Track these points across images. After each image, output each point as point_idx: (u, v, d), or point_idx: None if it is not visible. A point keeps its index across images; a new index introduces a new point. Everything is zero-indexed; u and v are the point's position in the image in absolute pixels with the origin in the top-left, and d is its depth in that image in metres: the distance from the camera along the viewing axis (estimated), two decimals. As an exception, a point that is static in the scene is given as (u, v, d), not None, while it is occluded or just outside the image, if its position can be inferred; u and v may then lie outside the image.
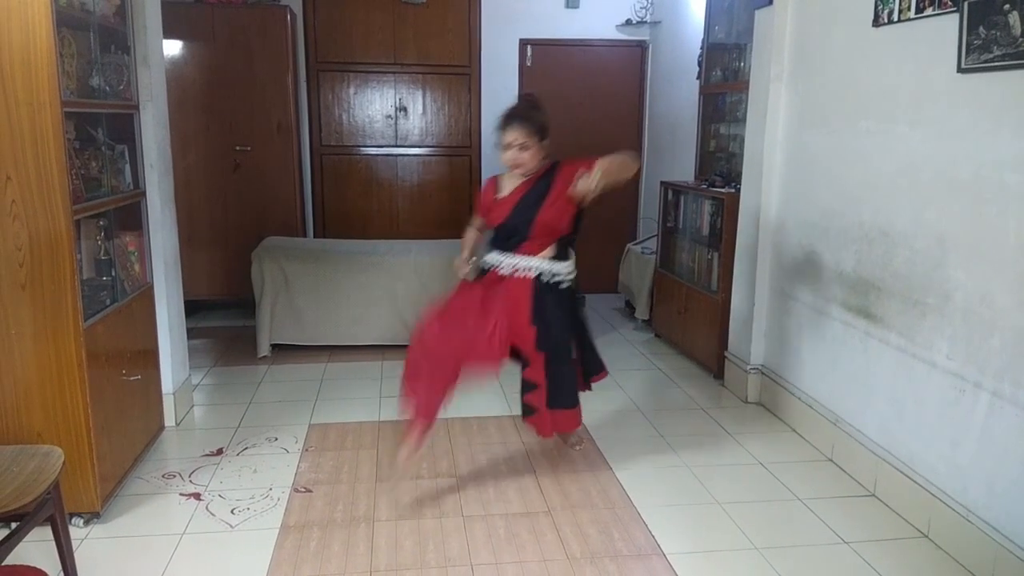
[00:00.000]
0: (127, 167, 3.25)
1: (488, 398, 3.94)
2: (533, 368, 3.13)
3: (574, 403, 3.24)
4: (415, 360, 3.02)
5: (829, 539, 2.78)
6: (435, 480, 3.19)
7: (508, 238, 3.13)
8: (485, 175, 6.24)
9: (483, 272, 3.18)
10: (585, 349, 3.33)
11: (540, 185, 3.10)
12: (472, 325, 3.01)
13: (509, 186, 3.16)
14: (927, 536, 2.77)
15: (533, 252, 3.11)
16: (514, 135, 3.04)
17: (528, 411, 3.23)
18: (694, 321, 4.72)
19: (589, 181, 2.87)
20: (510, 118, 3.06)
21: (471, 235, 3.28)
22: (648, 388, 4.34)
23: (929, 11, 2.75)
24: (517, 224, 3.09)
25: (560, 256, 3.15)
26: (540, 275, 3.10)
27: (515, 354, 3.15)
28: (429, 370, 2.97)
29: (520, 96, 3.23)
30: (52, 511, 2.27)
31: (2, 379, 2.61)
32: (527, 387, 3.19)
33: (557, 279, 3.13)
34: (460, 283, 3.19)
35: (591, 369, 3.38)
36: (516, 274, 3.11)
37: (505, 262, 3.12)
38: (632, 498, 3.05)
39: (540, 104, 3.17)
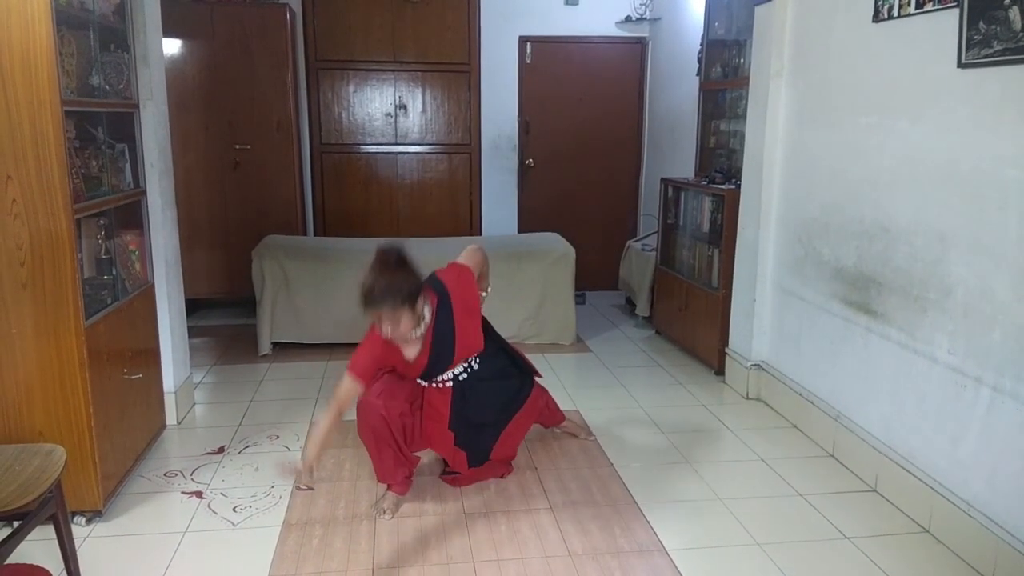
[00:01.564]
0: (127, 166, 3.25)
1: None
2: (454, 463, 3.07)
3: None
4: (384, 436, 2.86)
5: (830, 534, 2.78)
6: (436, 478, 3.19)
7: (428, 376, 2.94)
8: (485, 173, 6.26)
9: None
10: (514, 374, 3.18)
11: (442, 325, 2.80)
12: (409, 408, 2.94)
13: (408, 351, 2.83)
14: (928, 531, 2.78)
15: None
16: (379, 319, 2.64)
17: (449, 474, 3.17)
18: (695, 318, 4.72)
19: (485, 295, 3.08)
20: (366, 304, 2.60)
21: (329, 419, 2.64)
22: (649, 385, 4.35)
23: (929, 6, 2.75)
24: (437, 367, 2.89)
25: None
26: (457, 377, 2.98)
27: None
28: (401, 433, 2.90)
29: (376, 256, 2.66)
30: (54, 510, 2.28)
31: (4, 378, 2.61)
32: (449, 473, 3.15)
33: (468, 372, 3.01)
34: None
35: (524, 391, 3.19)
36: (436, 385, 2.98)
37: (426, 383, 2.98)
38: (633, 494, 3.06)
39: (392, 263, 2.62)
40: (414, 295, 2.64)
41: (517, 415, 3.13)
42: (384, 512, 2.88)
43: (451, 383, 2.97)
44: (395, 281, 2.59)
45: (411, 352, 2.83)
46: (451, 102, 6.06)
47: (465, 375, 2.99)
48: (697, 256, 4.78)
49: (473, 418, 3.00)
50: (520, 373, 3.21)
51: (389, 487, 2.96)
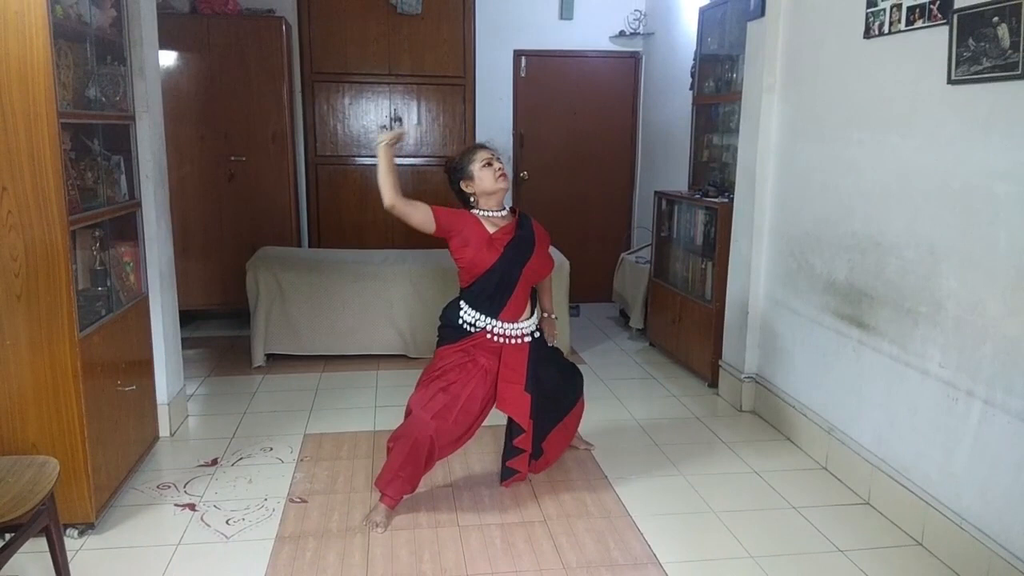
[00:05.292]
0: (123, 178, 3.25)
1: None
2: (524, 436, 3.02)
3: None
4: (418, 454, 2.85)
5: (823, 547, 2.78)
6: (430, 489, 3.19)
7: (494, 294, 2.89)
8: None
9: (462, 334, 2.94)
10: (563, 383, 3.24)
11: (525, 227, 2.95)
12: (477, 411, 2.94)
13: (490, 227, 2.91)
14: (921, 544, 2.78)
15: (520, 309, 2.95)
16: (490, 152, 2.93)
17: (509, 474, 3.14)
18: (688, 330, 4.73)
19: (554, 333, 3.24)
20: (483, 146, 2.97)
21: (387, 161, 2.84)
22: (642, 397, 4.35)
23: (919, 23, 2.78)
24: (507, 271, 2.88)
25: (534, 305, 3.05)
26: (534, 335, 3.00)
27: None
28: (429, 458, 2.91)
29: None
30: (47, 522, 2.27)
31: (-3, 389, 2.60)
32: (513, 452, 3.08)
33: (539, 332, 3.06)
34: (449, 356, 2.93)
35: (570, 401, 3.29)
36: (516, 343, 2.95)
37: (499, 329, 2.92)
38: (627, 507, 3.06)
39: None
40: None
41: (572, 410, 3.25)
42: (376, 525, 2.88)
43: (529, 339, 2.97)
44: None
45: (492, 228, 2.89)
46: (446, 115, 6.09)
47: (538, 334, 3.04)
48: (691, 269, 4.80)
49: (546, 383, 3.02)
50: (574, 375, 3.30)
51: (382, 497, 2.95)
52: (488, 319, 2.91)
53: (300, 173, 5.99)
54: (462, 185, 2.95)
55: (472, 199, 2.95)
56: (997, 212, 2.46)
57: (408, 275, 4.90)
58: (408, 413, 2.93)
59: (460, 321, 2.93)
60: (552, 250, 5.22)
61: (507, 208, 2.99)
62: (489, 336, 2.92)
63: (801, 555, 2.73)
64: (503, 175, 2.92)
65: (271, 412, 4.08)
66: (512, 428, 3.07)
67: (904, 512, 2.89)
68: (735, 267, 4.21)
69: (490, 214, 2.93)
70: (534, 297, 3.06)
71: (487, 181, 2.89)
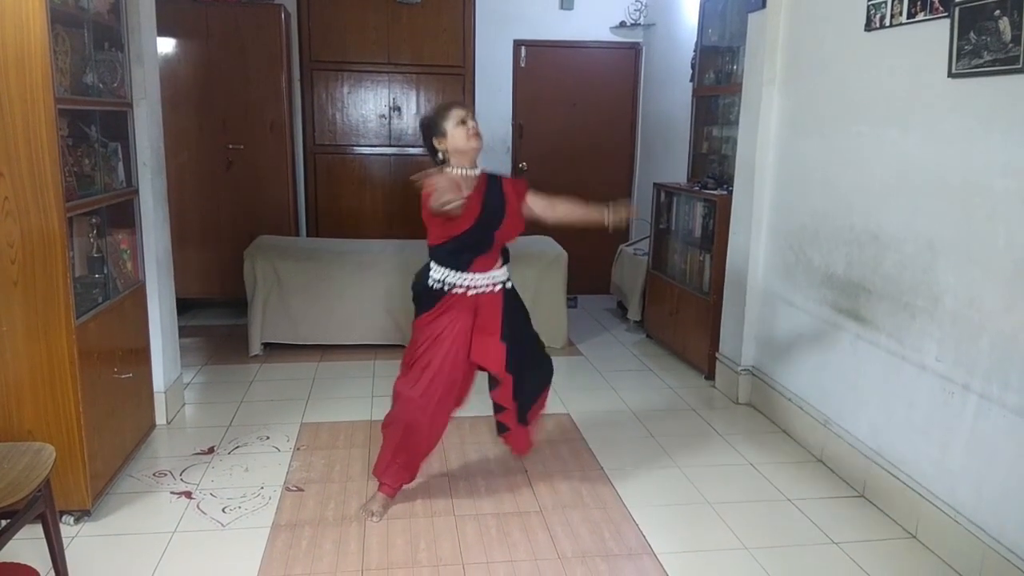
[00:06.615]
0: (120, 165, 3.24)
1: (480, 398, 3.94)
2: (502, 389, 2.99)
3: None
4: (411, 437, 2.86)
5: (818, 539, 2.79)
6: (427, 479, 3.19)
7: (465, 250, 2.85)
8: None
9: (435, 297, 2.89)
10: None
11: (493, 190, 2.90)
12: (460, 375, 2.93)
13: (465, 186, 2.85)
14: (915, 537, 2.80)
15: (492, 262, 2.91)
16: (464, 110, 2.87)
17: (502, 429, 3.16)
18: (686, 322, 4.74)
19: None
20: (457, 104, 2.94)
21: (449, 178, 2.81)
22: (639, 389, 4.36)
23: (921, 16, 2.77)
24: (484, 232, 2.84)
25: (506, 259, 3.01)
26: (505, 285, 2.96)
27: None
28: (428, 440, 2.92)
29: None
30: (43, 508, 2.27)
31: (-7, 376, 2.60)
32: (497, 408, 3.09)
33: (510, 283, 3.02)
34: (425, 331, 2.89)
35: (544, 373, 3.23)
36: (485, 291, 2.90)
37: (470, 281, 2.87)
38: (623, 498, 3.07)
39: None
40: None
41: (546, 388, 3.21)
42: (372, 515, 2.88)
43: (500, 288, 2.93)
44: None
45: (466, 188, 2.84)
46: (445, 105, 6.06)
47: (511, 284, 2.99)
48: (689, 261, 4.80)
49: (519, 338, 2.98)
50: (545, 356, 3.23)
51: (380, 486, 2.96)
52: (458, 273, 2.87)
53: (298, 162, 5.98)
54: (435, 142, 2.91)
55: (442, 155, 2.91)
56: (996, 207, 2.45)
57: (406, 265, 4.88)
58: (396, 396, 2.92)
59: (430, 282, 2.89)
60: (548, 240, 5.29)
61: (479, 168, 2.94)
62: (462, 291, 2.87)
63: (796, 547, 2.74)
64: (476, 134, 2.88)
65: (268, 401, 4.08)
66: (491, 383, 3.05)
67: (899, 505, 2.90)
68: (733, 259, 4.20)
69: (463, 171, 2.88)
70: (504, 250, 3.01)
71: (459, 139, 2.86)
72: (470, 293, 2.88)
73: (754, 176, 3.96)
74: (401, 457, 2.90)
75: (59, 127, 2.53)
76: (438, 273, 2.88)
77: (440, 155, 2.90)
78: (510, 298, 2.98)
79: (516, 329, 2.98)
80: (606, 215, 2.92)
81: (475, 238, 2.83)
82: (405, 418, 2.86)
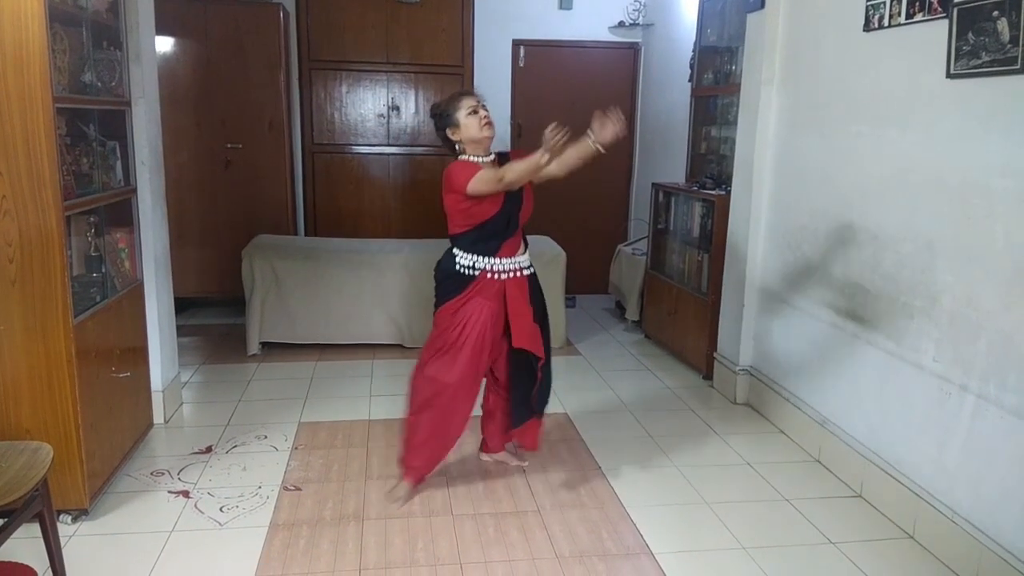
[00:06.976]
0: (118, 164, 3.24)
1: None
2: (527, 377, 3.04)
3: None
4: (447, 421, 2.93)
5: (816, 539, 2.80)
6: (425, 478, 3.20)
7: (493, 236, 2.87)
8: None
9: (463, 282, 2.90)
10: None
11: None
12: (489, 361, 2.99)
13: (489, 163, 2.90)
14: (912, 537, 2.80)
15: (517, 245, 2.95)
16: (475, 99, 2.88)
17: (518, 421, 3.09)
18: (684, 322, 4.74)
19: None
20: (469, 92, 2.95)
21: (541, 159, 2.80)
22: (637, 389, 4.36)
23: (919, 17, 2.78)
24: (510, 215, 2.87)
25: (526, 242, 3.04)
26: (529, 271, 3.01)
27: None
28: (461, 425, 2.98)
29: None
30: (40, 507, 2.27)
31: (-9, 375, 2.60)
32: (516, 400, 3.08)
33: (532, 269, 3.06)
34: (448, 320, 2.90)
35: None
36: (515, 276, 2.94)
37: (498, 266, 2.90)
38: (621, 498, 3.07)
39: None
40: None
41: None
42: (397, 499, 2.97)
43: (527, 273, 2.99)
44: None
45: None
46: (444, 104, 6.06)
47: (532, 270, 3.04)
48: (687, 261, 4.81)
49: (543, 324, 3.04)
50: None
51: (405, 473, 3.01)
52: (486, 259, 2.89)
53: (297, 161, 5.97)
54: (448, 133, 2.91)
55: (459, 146, 2.92)
56: (994, 207, 2.46)
57: (404, 264, 4.90)
58: (427, 383, 2.92)
59: (459, 267, 2.90)
60: (548, 240, 5.28)
61: (493, 154, 2.95)
62: (490, 276, 2.90)
63: (793, 547, 2.74)
64: (488, 123, 2.88)
65: (266, 400, 4.08)
66: (513, 377, 3.07)
67: (896, 505, 2.90)
68: (731, 259, 4.21)
69: (479, 159, 2.89)
70: (523, 235, 3.04)
71: (473, 128, 2.86)
72: (501, 277, 2.91)
73: (752, 176, 3.96)
74: (432, 444, 2.96)
75: (57, 126, 2.53)
76: (466, 259, 2.90)
77: (457, 146, 2.93)
78: (534, 283, 3.04)
79: (540, 315, 3.04)
80: (590, 142, 2.98)
81: (503, 221, 2.87)
82: (440, 404, 2.91)
